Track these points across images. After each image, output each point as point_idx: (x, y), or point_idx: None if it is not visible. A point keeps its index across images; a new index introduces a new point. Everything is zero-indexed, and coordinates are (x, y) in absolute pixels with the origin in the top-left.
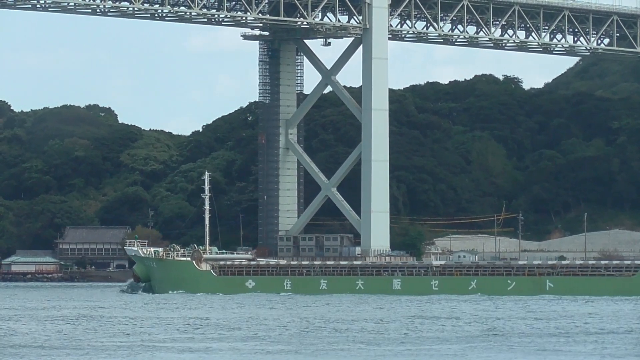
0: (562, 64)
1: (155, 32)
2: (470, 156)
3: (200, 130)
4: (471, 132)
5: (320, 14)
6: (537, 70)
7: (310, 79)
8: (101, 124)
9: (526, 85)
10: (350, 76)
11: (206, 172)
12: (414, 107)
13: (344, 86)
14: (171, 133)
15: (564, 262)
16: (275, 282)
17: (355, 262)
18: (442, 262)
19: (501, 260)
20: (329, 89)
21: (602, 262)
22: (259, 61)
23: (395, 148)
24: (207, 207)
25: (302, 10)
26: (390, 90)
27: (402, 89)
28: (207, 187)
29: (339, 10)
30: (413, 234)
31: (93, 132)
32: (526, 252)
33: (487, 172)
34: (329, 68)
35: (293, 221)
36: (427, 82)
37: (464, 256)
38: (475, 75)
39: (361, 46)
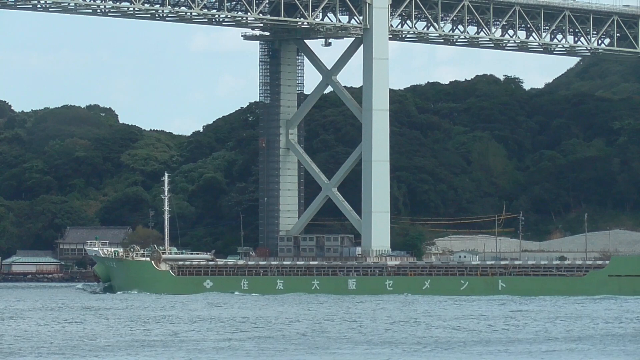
0: (562, 64)
1: (156, 32)
2: (471, 156)
3: (201, 131)
4: (472, 132)
5: (320, 14)
6: (537, 70)
7: (311, 79)
8: (102, 124)
9: (527, 86)
10: (350, 76)
11: (165, 174)
12: (415, 107)
13: (345, 86)
14: (172, 133)
15: (516, 262)
16: (233, 282)
17: (311, 263)
18: (397, 263)
19: (454, 261)
20: (329, 89)
21: (555, 262)
22: (260, 61)
23: (395, 148)
24: (166, 207)
25: (303, 10)
26: (391, 91)
27: (402, 89)
28: (166, 188)
29: (339, 10)
30: (413, 234)
31: (94, 132)
32: (527, 252)
33: (487, 172)
34: (329, 68)
35: (294, 221)
36: (428, 83)
37: (465, 256)
38: (476, 76)
39: (362, 46)
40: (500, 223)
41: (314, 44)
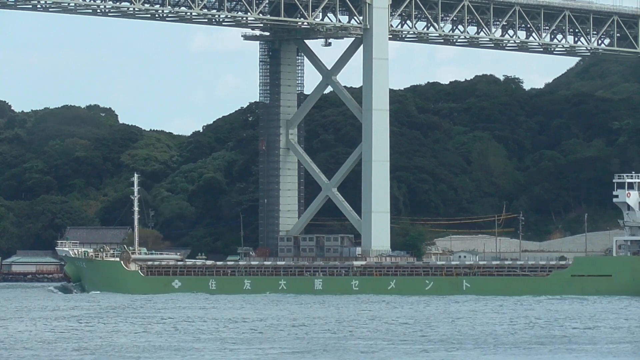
0: (562, 64)
1: (157, 32)
2: (471, 156)
3: (201, 131)
4: (472, 132)
5: (320, 14)
6: (537, 70)
7: (311, 79)
8: (102, 124)
9: (527, 86)
10: (350, 76)
11: (135, 174)
12: (415, 107)
13: (345, 86)
14: (172, 133)
15: (481, 263)
16: (201, 282)
17: (278, 263)
18: (363, 263)
19: (420, 261)
20: (329, 89)
21: (518, 262)
22: (260, 61)
23: (395, 148)
24: (136, 208)
25: (303, 10)
26: (391, 91)
27: (402, 89)
28: (135, 189)
29: (339, 10)
30: (414, 234)
31: (94, 132)
32: (527, 253)
33: (487, 172)
34: (329, 68)
35: (294, 221)
36: (428, 83)
37: (465, 256)
38: (476, 76)
39: (362, 46)
40: (500, 223)
41: (314, 44)
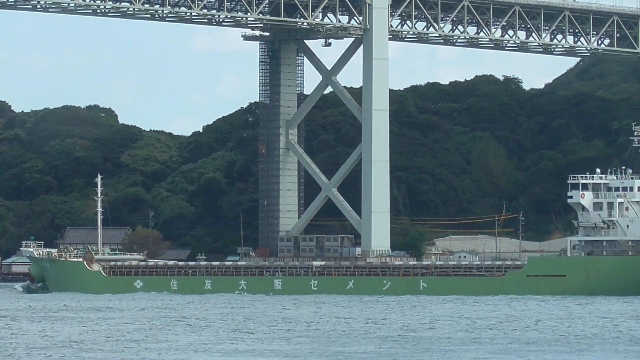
0: (562, 65)
1: (156, 32)
2: (471, 157)
3: (201, 131)
4: (472, 132)
5: (320, 14)
6: (537, 70)
7: (311, 79)
8: (102, 124)
9: (526, 86)
10: (350, 77)
11: (98, 175)
12: (415, 107)
13: (345, 87)
14: (171, 133)
15: (438, 263)
16: (162, 282)
17: (239, 263)
18: (322, 263)
19: (379, 261)
20: (329, 89)
21: (475, 262)
22: (259, 62)
23: (395, 148)
24: (99, 209)
25: (303, 10)
26: (391, 91)
27: (402, 89)
28: (99, 189)
29: (339, 10)
30: (413, 234)
31: (93, 132)
32: (527, 253)
33: (487, 172)
34: (329, 68)
35: (293, 222)
36: (428, 83)
37: (464, 256)
38: (476, 76)
39: (362, 46)
40: (500, 223)
41: (314, 44)
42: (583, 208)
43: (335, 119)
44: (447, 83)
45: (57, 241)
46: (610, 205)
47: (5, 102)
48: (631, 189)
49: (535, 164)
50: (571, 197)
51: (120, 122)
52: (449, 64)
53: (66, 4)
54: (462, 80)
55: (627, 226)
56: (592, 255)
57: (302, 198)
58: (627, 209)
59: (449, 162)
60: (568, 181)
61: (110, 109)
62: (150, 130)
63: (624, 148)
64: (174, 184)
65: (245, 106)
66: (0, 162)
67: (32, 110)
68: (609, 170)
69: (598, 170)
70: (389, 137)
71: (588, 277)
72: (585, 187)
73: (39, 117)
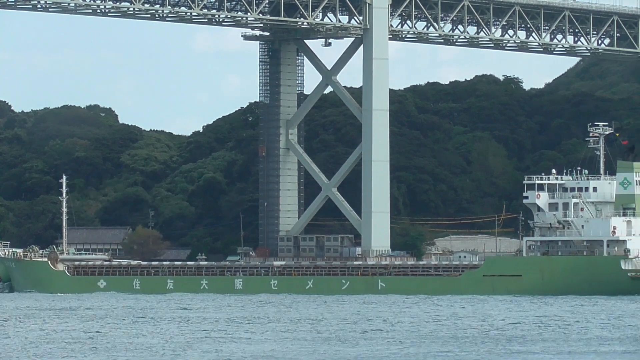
0: (562, 65)
1: (157, 32)
2: (471, 156)
3: (201, 131)
4: (472, 132)
5: (320, 14)
6: (537, 70)
7: (311, 79)
8: (102, 124)
9: (527, 86)
10: (350, 76)
11: (63, 176)
12: (415, 107)
13: (345, 86)
14: (171, 133)
15: (396, 263)
16: (125, 281)
17: (201, 263)
18: (282, 263)
19: (337, 261)
20: (329, 89)
21: (433, 262)
22: (260, 61)
23: (395, 148)
24: (64, 209)
25: (303, 10)
26: (391, 91)
27: (402, 89)
28: (64, 190)
29: (339, 10)
30: (413, 234)
31: (93, 132)
32: None
33: (487, 172)
34: (329, 68)
35: (293, 221)
36: (428, 83)
37: (465, 256)
38: (476, 76)
39: (361, 46)
40: (500, 223)
41: (314, 44)
42: (539, 208)
43: (335, 118)
44: (447, 83)
45: (57, 241)
46: (566, 205)
47: (5, 102)
48: (586, 189)
49: (535, 164)
50: (527, 197)
51: (121, 122)
52: (449, 63)
53: (66, 4)
54: (462, 80)
55: (582, 226)
56: (547, 256)
57: (302, 198)
58: (582, 209)
59: (449, 162)
60: (524, 182)
61: (110, 108)
62: (150, 130)
63: (623, 148)
64: (174, 184)
65: (245, 106)
66: (0, 162)
67: (32, 110)
68: (565, 171)
69: (554, 171)
70: (389, 137)
71: (543, 277)
72: (541, 187)
73: (39, 117)
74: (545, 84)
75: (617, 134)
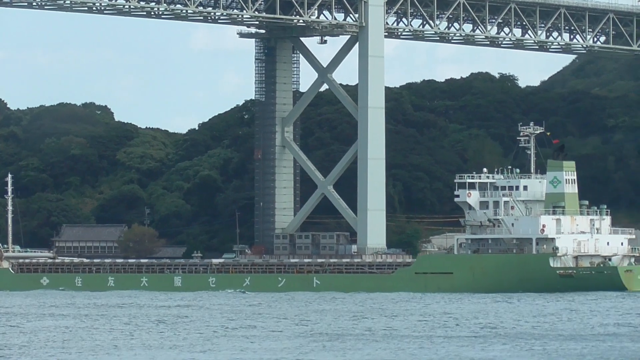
0: (558, 62)
1: (153, 30)
2: (467, 154)
3: (197, 129)
4: (467, 130)
5: (316, 12)
6: (533, 68)
7: (307, 77)
8: (97, 122)
9: (522, 83)
10: (346, 74)
11: (9, 175)
12: (411, 105)
13: (340, 84)
14: (167, 131)
15: (331, 261)
16: (68, 279)
17: (142, 260)
18: (221, 260)
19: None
20: (325, 87)
21: (367, 260)
22: (255, 59)
23: (391, 146)
24: (10, 207)
25: (298, 8)
26: (387, 88)
27: (398, 87)
28: (9, 188)
29: (335, 8)
30: (409, 232)
31: (89, 130)
32: None
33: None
34: (325, 66)
35: (289, 219)
36: (424, 80)
37: None
38: (472, 73)
39: (357, 44)
40: None
41: (310, 42)
42: (470, 207)
43: (331, 116)
44: (442, 80)
45: (53, 239)
46: (496, 204)
47: (0, 99)
48: (517, 188)
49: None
50: (458, 196)
51: (116, 119)
52: (445, 61)
53: (62, 2)
54: (458, 77)
55: (512, 224)
56: (477, 253)
57: (297, 195)
58: (512, 207)
59: (444, 160)
60: (455, 180)
61: (106, 106)
62: (146, 127)
63: (620, 145)
64: (170, 182)
65: (241, 104)
66: None
67: (27, 107)
68: (496, 169)
69: (485, 169)
70: (385, 134)
71: (474, 275)
72: (472, 186)
73: (34, 115)
74: (541, 81)
75: (548, 133)
